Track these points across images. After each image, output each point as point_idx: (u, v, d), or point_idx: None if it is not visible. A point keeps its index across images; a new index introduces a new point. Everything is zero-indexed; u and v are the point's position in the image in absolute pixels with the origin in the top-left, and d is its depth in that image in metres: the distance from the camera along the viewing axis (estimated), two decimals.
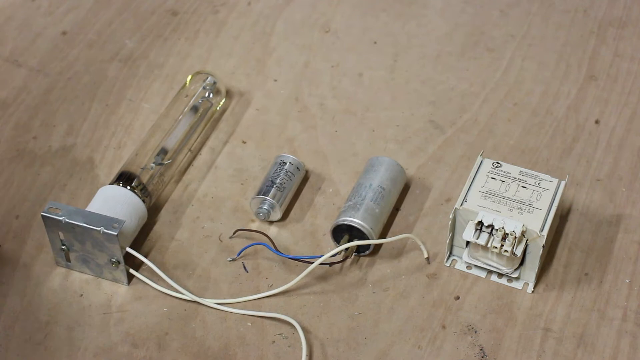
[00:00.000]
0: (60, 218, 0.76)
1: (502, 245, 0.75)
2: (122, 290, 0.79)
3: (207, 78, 0.94)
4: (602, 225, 0.84)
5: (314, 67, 1.01)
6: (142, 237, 0.83)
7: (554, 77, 0.99)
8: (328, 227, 0.83)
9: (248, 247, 0.82)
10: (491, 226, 0.75)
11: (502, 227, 0.75)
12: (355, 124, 0.95)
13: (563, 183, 0.79)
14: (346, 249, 0.79)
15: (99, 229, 0.75)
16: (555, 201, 0.77)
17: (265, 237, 0.82)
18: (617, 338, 0.75)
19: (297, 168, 0.86)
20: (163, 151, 0.87)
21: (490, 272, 0.80)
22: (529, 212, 0.76)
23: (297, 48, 1.04)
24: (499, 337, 0.75)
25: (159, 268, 0.79)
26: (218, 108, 0.95)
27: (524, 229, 0.75)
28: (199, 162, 0.91)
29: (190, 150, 0.90)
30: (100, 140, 0.93)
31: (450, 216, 0.77)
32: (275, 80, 1.00)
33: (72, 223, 0.76)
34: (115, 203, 0.80)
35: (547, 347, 0.75)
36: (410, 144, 0.92)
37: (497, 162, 0.80)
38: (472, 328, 0.76)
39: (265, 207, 0.83)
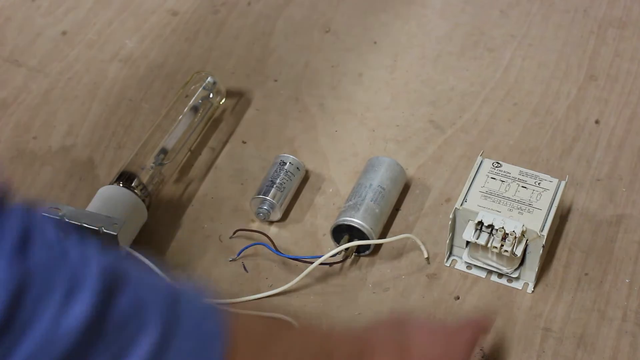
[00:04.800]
0: (61, 218, 0.76)
1: (502, 245, 0.75)
2: None
3: (207, 78, 0.94)
4: (602, 225, 0.84)
5: (314, 67, 1.01)
6: (142, 237, 0.83)
7: (554, 77, 0.99)
8: (328, 227, 0.83)
9: (248, 247, 0.82)
10: (491, 226, 0.75)
11: (502, 227, 0.75)
12: (355, 124, 0.95)
13: (563, 183, 0.79)
14: (346, 249, 0.79)
15: (98, 228, 0.75)
16: (555, 201, 0.77)
17: (265, 237, 0.82)
18: (617, 338, 0.75)
19: (297, 168, 0.86)
20: (163, 151, 0.87)
21: (490, 272, 0.80)
22: (529, 212, 0.76)
23: (297, 48, 1.04)
24: (499, 337, 0.75)
25: (159, 268, 0.78)
26: (218, 108, 0.95)
27: (524, 229, 0.75)
28: (199, 162, 0.91)
29: (190, 150, 0.90)
30: (100, 140, 0.93)
31: (450, 216, 0.77)
32: (275, 80, 1.00)
33: (72, 223, 0.76)
34: (115, 203, 0.80)
35: (547, 347, 0.75)
36: (410, 144, 0.92)
37: (497, 162, 0.80)
38: None
39: (265, 207, 0.83)
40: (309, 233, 0.84)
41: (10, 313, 0.37)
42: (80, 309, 0.38)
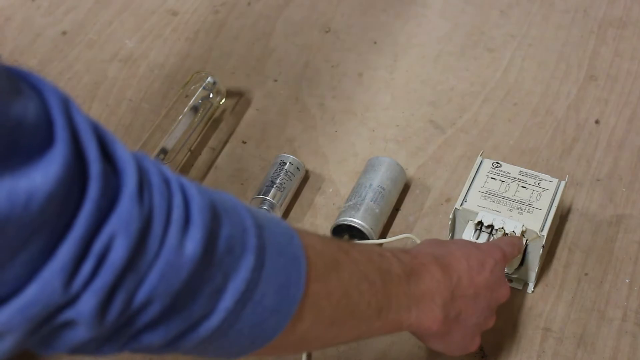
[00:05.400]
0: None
1: None
2: None
3: (207, 78, 0.94)
4: (602, 225, 0.84)
5: (314, 67, 1.01)
6: None
7: (554, 77, 0.99)
8: (328, 227, 0.83)
9: None
10: (491, 226, 0.75)
11: (502, 227, 0.75)
12: (355, 124, 0.95)
13: (563, 183, 0.79)
14: None
15: None
16: (555, 201, 0.77)
17: None
18: (617, 338, 0.75)
19: (297, 168, 0.86)
20: (163, 151, 0.87)
21: None
22: (528, 212, 0.76)
23: (297, 48, 1.04)
24: (499, 337, 0.75)
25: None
26: (218, 108, 0.95)
27: (524, 229, 0.75)
28: (199, 162, 0.91)
29: (190, 150, 0.90)
30: None
31: (450, 216, 0.77)
32: (275, 80, 1.00)
33: None
34: None
35: (547, 347, 0.75)
36: (410, 144, 0.92)
37: (497, 162, 0.80)
38: None
39: (265, 207, 0.83)
40: None
41: (141, 244, 0.42)
42: (195, 239, 0.44)
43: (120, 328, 0.44)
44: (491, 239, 0.76)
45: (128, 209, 0.41)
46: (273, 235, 0.49)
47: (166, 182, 0.45)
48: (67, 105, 0.42)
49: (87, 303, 0.41)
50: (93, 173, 0.41)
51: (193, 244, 0.44)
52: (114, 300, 0.42)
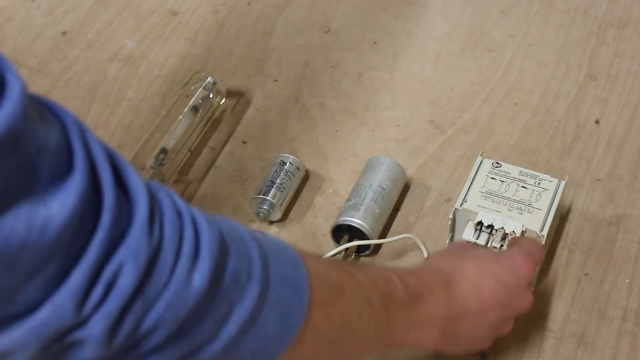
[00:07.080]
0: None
1: (502, 246, 0.75)
2: None
3: (207, 78, 0.94)
4: (602, 225, 0.84)
5: (314, 67, 1.01)
6: None
7: (554, 77, 0.99)
8: (328, 227, 0.83)
9: None
10: (491, 226, 0.75)
11: (502, 227, 0.75)
12: (355, 124, 0.95)
13: (563, 183, 0.79)
14: (346, 249, 0.79)
15: None
16: (555, 201, 0.77)
17: None
18: (617, 338, 0.75)
19: (297, 168, 0.86)
20: (163, 151, 0.87)
21: None
22: (528, 212, 0.76)
23: (297, 48, 1.04)
24: (499, 337, 0.75)
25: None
26: (218, 108, 0.95)
27: (524, 229, 0.75)
28: (199, 162, 0.91)
29: (190, 150, 0.90)
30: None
31: (450, 216, 0.77)
32: (275, 80, 1.00)
33: None
34: None
35: (547, 347, 0.75)
36: (410, 144, 0.92)
37: (497, 162, 0.80)
38: None
39: (265, 207, 0.83)
40: (309, 233, 0.84)
41: (149, 273, 0.43)
42: (203, 272, 0.45)
43: (127, 350, 0.45)
44: (491, 239, 0.76)
45: (137, 239, 0.43)
46: (278, 264, 0.50)
47: (179, 214, 0.46)
48: (84, 134, 0.43)
49: (97, 325, 0.42)
50: (107, 203, 0.42)
51: (201, 276, 0.45)
52: (122, 325, 0.43)
